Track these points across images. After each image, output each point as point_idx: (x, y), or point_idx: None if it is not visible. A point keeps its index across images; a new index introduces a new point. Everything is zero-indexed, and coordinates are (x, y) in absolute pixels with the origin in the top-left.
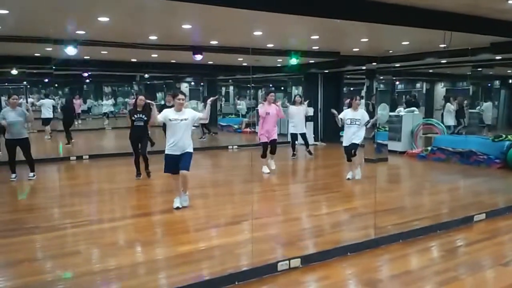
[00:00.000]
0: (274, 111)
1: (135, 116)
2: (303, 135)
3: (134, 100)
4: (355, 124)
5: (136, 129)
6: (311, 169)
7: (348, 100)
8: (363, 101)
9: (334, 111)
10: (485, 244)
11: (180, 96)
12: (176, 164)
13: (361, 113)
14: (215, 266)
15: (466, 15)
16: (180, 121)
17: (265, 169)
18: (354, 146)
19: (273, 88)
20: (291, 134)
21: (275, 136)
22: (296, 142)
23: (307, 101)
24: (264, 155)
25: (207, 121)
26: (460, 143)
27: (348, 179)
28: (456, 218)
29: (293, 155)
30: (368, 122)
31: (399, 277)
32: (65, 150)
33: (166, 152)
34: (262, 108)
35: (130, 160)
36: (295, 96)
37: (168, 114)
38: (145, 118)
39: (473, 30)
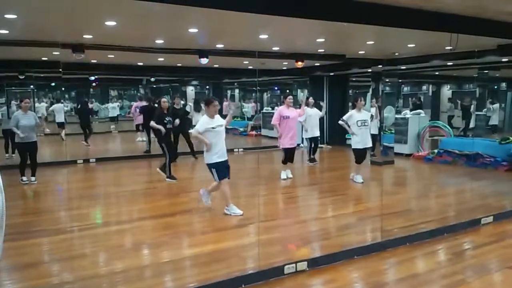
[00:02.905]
0: (295, 114)
1: (166, 119)
2: (316, 139)
3: (140, 103)
4: (364, 125)
5: (168, 132)
6: (318, 171)
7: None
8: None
9: (342, 123)
10: (492, 247)
11: (215, 103)
12: (226, 169)
13: (366, 114)
14: (221, 269)
15: (473, 18)
16: (220, 127)
17: (283, 175)
18: (368, 149)
19: (278, 92)
20: (308, 138)
21: (295, 144)
22: (302, 145)
23: (313, 102)
24: (285, 161)
25: None
26: (467, 146)
27: (362, 182)
28: (463, 221)
29: (312, 160)
30: (372, 117)
31: (406, 281)
32: (78, 153)
33: (215, 161)
34: (280, 112)
35: (136, 163)
36: (307, 97)
37: (207, 123)
38: (171, 120)
39: (480, 32)
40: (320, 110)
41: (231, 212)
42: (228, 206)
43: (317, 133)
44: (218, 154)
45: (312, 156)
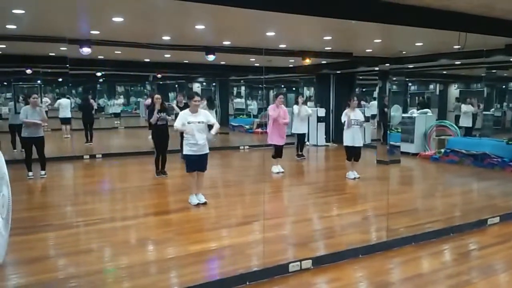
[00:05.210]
0: (284, 114)
1: (158, 115)
2: (302, 136)
3: (149, 100)
4: (357, 124)
5: (159, 128)
6: (322, 170)
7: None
8: (374, 102)
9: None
10: (498, 248)
11: (196, 98)
12: (197, 163)
13: (360, 114)
14: (226, 266)
15: (481, 16)
16: (198, 123)
17: (275, 169)
18: (360, 148)
19: (284, 89)
20: (296, 134)
21: (283, 142)
22: (308, 142)
23: (301, 101)
24: (275, 156)
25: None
26: (474, 146)
27: (354, 179)
28: (470, 221)
29: (300, 155)
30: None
31: (411, 280)
32: (84, 148)
33: (187, 153)
34: (272, 111)
35: (142, 159)
36: (297, 96)
37: (185, 117)
38: (167, 117)
39: (488, 32)
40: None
41: (190, 201)
42: (192, 194)
43: (304, 130)
44: (193, 148)
45: (300, 152)
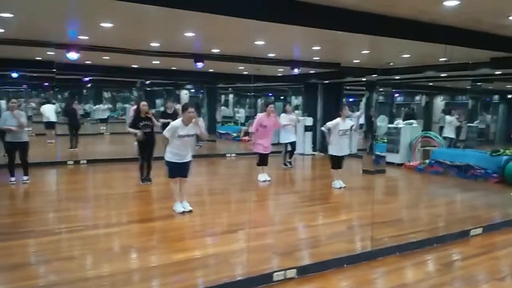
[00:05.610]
0: (272, 123)
1: (141, 123)
2: (292, 144)
3: (136, 107)
4: (345, 134)
5: (144, 135)
6: (309, 179)
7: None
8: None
9: (325, 130)
10: (481, 258)
11: (191, 109)
12: (179, 170)
13: (349, 123)
14: (210, 274)
15: (467, 30)
16: (188, 137)
17: (261, 177)
18: (344, 157)
19: (272, 98)
20: (285, 143)
21: (269, 150)
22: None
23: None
24: (260, 164)
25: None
26: (458, 157)
27: (340, 188)
28: (453, 232)
29: (286, 164)
30: (352, 126)
31: None
32: (68, 154)
33: (170, 160)
34: (259, 121)
35: (127, 165)
36: (284, 105)
37: (177, 128)
38: (151, 124)
39: (474, 45)
40: None
41: (174, 208)
42: (177, 201)
43: (293, 138)
44: (176, 156)
45: (288, 160)
